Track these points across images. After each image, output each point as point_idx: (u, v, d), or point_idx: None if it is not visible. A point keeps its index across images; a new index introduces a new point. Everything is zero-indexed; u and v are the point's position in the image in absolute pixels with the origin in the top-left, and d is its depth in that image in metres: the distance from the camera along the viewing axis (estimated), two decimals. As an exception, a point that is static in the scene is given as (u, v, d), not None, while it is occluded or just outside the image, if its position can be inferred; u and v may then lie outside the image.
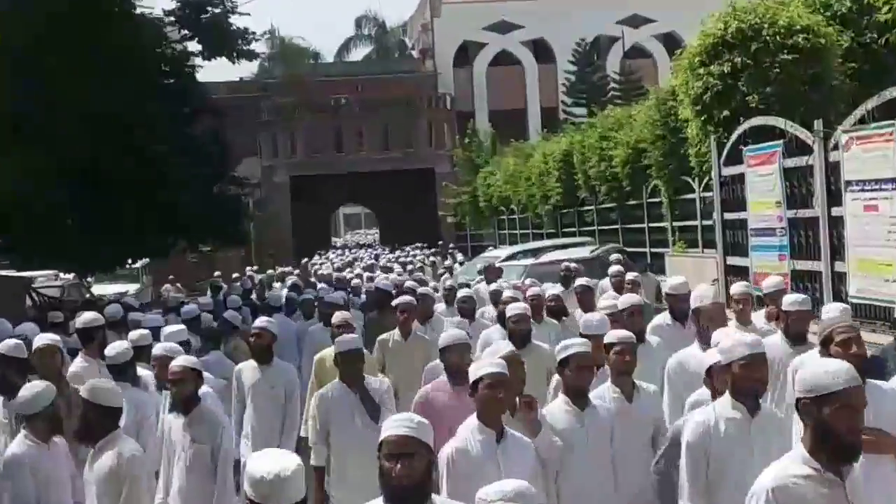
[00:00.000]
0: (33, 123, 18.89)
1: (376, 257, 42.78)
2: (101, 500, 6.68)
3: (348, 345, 8.13)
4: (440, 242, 50.61)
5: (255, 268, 39.31)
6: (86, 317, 10.81)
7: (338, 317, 10.34)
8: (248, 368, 9.80)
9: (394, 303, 11.48)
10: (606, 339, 7.03)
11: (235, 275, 30.46)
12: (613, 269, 14.95)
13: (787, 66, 14.94)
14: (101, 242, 22.60)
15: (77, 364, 9.91)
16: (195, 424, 7.65)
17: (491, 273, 17.94)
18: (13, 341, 8.89)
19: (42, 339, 8.99)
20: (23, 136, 18.62)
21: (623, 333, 7.11)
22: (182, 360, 7.83)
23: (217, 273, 31.09)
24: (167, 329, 11.09)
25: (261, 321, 10.17)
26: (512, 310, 9.28)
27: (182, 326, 11.43)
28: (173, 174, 23.04)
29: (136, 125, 21.60)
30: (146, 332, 10.42)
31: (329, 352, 9.26)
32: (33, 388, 7.11)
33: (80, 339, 10.42)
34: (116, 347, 8.92)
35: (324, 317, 13.00)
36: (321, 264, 38.82)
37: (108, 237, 22.40)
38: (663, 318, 9.84)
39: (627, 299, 9.76)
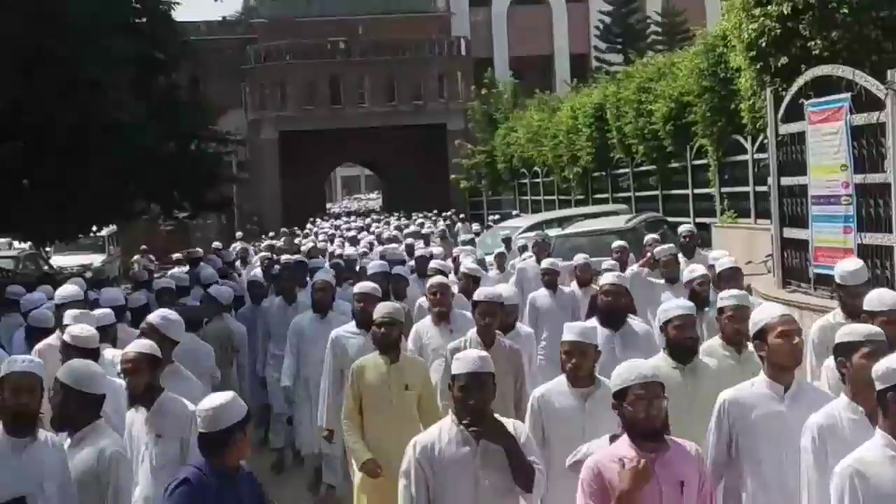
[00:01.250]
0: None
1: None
2: (81, 497, 6.66)
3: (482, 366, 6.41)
4: (453, 210, 50.64)
5: (240, 235, 39.42)
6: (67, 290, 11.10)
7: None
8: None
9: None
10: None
11: (216, 244, 30.57)
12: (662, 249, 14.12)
13: (856, 7, 14.85)
14: (59, 207, 22.63)
15: (45, 343, 9.94)
16: (159, 417, 7.60)
17: (542, 250, 16.76)
18: None
19: None
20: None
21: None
22: (136, 347, 7.76)
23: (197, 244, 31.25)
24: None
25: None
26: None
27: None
28: (140, 130, 23.00)
29: (97, 76, 21.52)
30: (109, 311, 10.35)
31: (372, 360, 8.92)
32: None
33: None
34: (83, 330, 8.86)
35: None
36: (307, 235, 37.55)
37: (68, 201, 22.44)
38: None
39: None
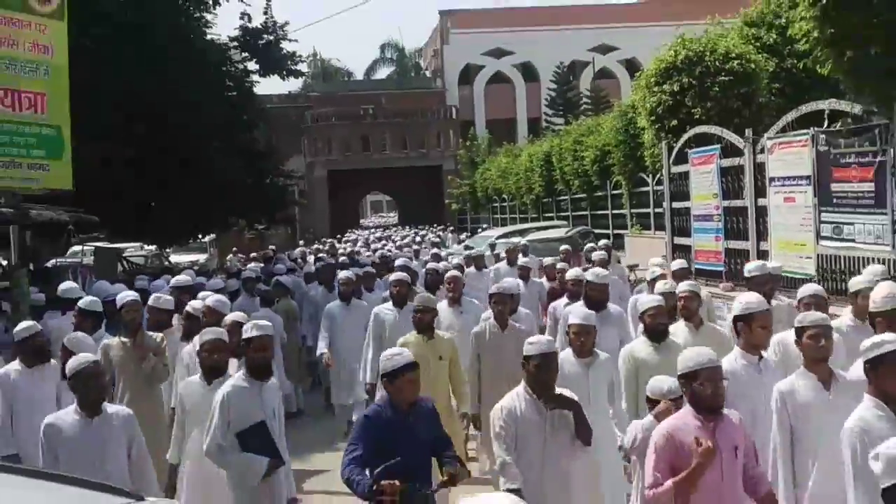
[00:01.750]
0: (122, 129, 18.88)
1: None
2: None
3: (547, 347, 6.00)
4: (448, 224, 50.53)
5: (302, 242, 39.26)
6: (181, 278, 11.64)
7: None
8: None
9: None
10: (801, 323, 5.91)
11: (290, 251, 30.39)
12: (597, 254, 13.38)
13: (724, 86, 14.88)
14: (176, 221, 22.65)
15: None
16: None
17: (511, 253, 15.43)
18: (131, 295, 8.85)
19: (126, 295, 8.82)
20: (117, 140, 18.62)
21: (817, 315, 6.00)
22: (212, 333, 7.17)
23: (272, 246, 31.19)
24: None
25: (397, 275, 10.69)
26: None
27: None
28: (232, 168, 23.04)
29: (203, 130, 21.59)
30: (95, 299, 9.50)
31: (413, 338, 8.24)
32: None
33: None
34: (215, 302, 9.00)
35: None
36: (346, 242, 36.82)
37: (182, 217, 22.46)
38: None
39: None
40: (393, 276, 10.70)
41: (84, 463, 5.59)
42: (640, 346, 7.39)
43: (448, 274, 10.89)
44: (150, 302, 9.03)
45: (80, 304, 8.89)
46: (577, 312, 7.26)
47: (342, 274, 12.27)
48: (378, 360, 5.99)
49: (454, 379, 8.28)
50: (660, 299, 7.58)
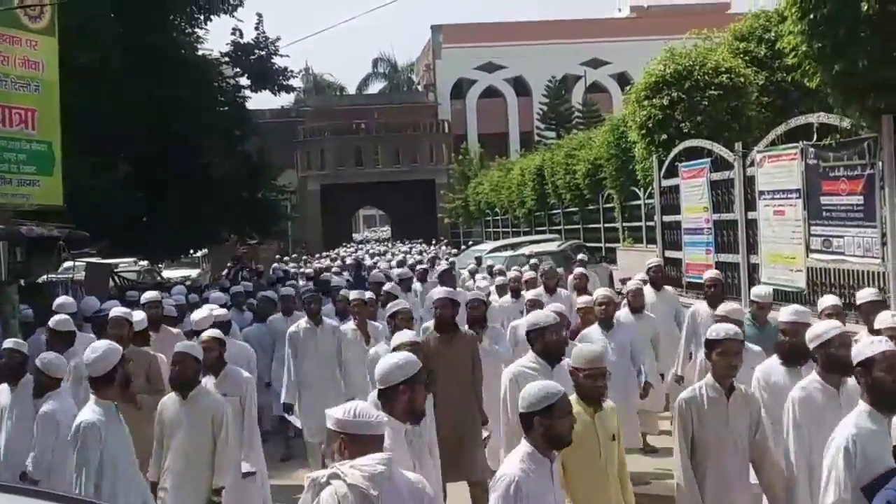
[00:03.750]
0: (115, 145, 18.90)
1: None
2: (198, 439, 6.60)
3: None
4: (441, 237, 50.48)
5: (288, 259, 39.19)
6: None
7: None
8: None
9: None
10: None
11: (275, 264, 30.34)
12: (577, 271, 13.47)
13: (713, 100, 14.92)
14: (168, 236, 22.64)
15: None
16: (221, 385, 7.31)
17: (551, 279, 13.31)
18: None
19: (115, 311, 8.79)
20: (108, 155, 18.64)
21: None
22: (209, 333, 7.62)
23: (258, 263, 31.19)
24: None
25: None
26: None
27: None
28: (224, 183, 23.08)
29: (194, 144, 21.64)
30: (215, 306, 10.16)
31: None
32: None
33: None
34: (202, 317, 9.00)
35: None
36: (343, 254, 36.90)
37: (174, 233, 22.45)
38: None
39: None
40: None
41: None
42: None
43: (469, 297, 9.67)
44: (111, 314, 8.67)
45: (51, 323, 8.80)
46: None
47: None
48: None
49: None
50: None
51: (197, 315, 9.07)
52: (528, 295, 11.04)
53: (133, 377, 7.78)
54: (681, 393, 5.98)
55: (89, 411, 5.74)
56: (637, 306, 10.19)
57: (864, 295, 7.80)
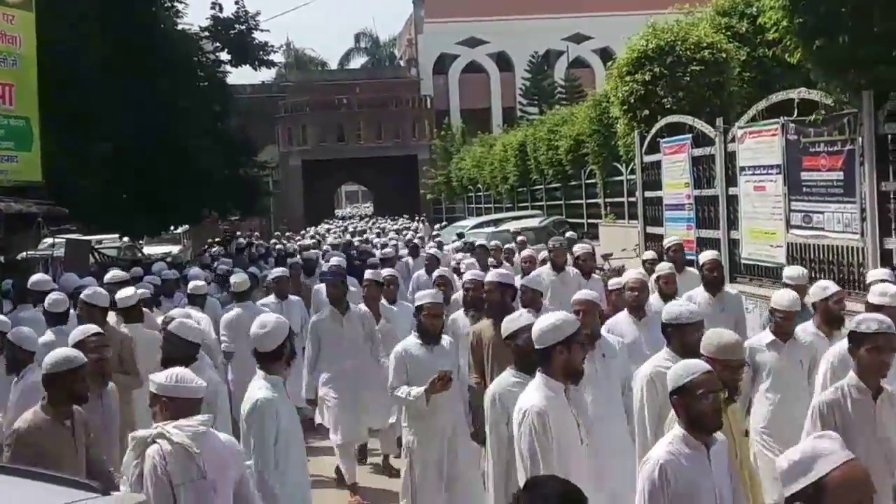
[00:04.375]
0: (95, 121, 18.75)
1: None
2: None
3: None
4: (423, 214, 50.47)
5: (278, 234, 39.09)
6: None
7: None
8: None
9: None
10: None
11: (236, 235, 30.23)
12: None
13: (695, 75, 14.91)
14: (147, 212, 22.55)
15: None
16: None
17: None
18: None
19: (88, 290, 8.55)
20: (86, 131, 18.49)
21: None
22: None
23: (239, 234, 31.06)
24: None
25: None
26: None
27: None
28: (205, 159, 22.97)
29: (175, 119, 21.54)
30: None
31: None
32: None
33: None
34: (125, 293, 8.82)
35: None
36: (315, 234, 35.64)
37: (153, 209, 22.37)
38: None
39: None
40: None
41: None
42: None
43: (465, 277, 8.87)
44: (82, 296, 8.40)
45: (46, 305, 8.71)
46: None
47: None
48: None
49: None
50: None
51: (122, 293, 8.81)
52: (545, 274, 9.92)
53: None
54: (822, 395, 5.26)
55: (262, 388, 5.54)
56: (669, 292, 8.61)
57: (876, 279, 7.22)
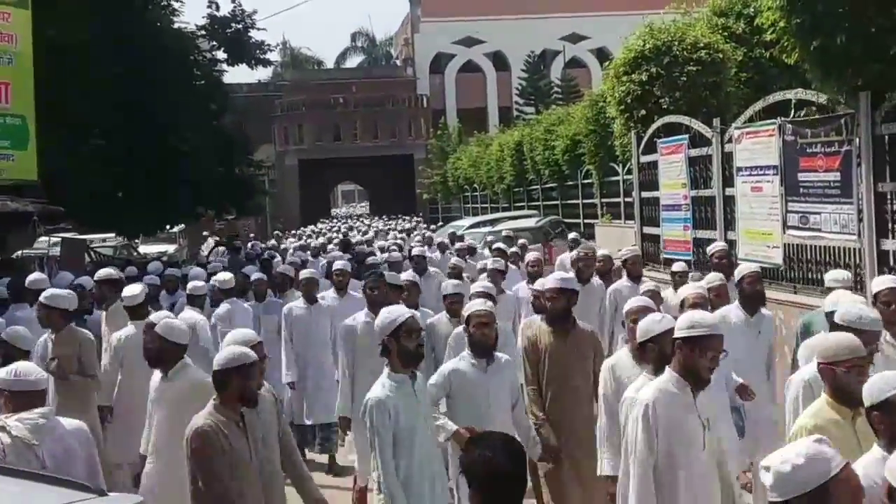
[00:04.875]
0: (90, 119, 18.73)
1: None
2: (177, 419, 6.13)
3: None
4: (420, 214, 50.51)
5: (279, 234, 39.03)
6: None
7: None
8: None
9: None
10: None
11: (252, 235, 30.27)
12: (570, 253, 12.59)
13: (692, 76, 14.92)
14: (142, 211, 22.53)
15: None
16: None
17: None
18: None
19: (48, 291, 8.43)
20: (81, 130, 18.48)
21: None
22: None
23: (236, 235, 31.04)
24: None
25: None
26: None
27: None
28: (201, 158, 22.95)
29: (170, 118, 21.51)
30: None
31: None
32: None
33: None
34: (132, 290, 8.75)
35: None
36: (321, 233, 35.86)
37: (149, 208, 22.35)
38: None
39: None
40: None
41: None
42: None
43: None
44: (40, 298, 8.22)
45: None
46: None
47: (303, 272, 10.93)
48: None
49: None
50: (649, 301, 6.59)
51: (128, 290, 8.75)
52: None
53: (60, 358, 7.76)
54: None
55: (379, 386, 5.46)
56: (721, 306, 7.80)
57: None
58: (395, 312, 5.54)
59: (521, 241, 16.34)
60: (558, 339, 6.73)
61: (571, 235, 16.45)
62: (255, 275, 11.99)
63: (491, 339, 6.22)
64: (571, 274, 8.62)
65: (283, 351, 10.21)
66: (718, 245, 10.34)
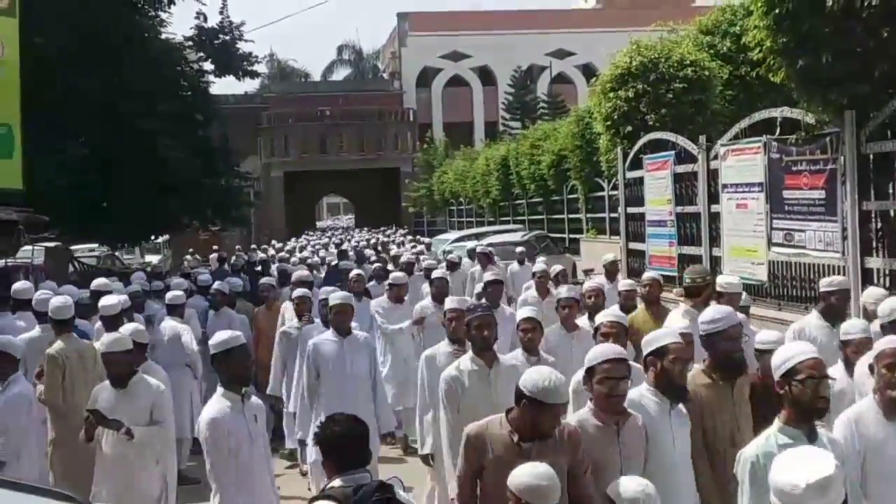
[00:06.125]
0: (74, 128, 18.66)
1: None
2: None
3: None
4: (406, 227, 50.43)
5: (267, 246, 38.85)
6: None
7: None
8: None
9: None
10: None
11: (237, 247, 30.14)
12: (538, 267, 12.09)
13: (678, 93, 15.00)
14: (128, 222, 22.44)
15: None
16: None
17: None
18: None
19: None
20: (67, 139, 18.39)
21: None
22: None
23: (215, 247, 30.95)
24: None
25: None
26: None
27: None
28: (185, 168, 22.87)
29: (157, 130, 21.44)
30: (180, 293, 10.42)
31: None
32: None
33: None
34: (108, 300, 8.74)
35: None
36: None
37: (134, 218, 22.26)
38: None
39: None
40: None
41: None
42: None
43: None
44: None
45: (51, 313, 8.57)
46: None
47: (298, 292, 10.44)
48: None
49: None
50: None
51: (105, 301, 8.74)
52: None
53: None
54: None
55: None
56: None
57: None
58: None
59: (559, 267, 13.37)
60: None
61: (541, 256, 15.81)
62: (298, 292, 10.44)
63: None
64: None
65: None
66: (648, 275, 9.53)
